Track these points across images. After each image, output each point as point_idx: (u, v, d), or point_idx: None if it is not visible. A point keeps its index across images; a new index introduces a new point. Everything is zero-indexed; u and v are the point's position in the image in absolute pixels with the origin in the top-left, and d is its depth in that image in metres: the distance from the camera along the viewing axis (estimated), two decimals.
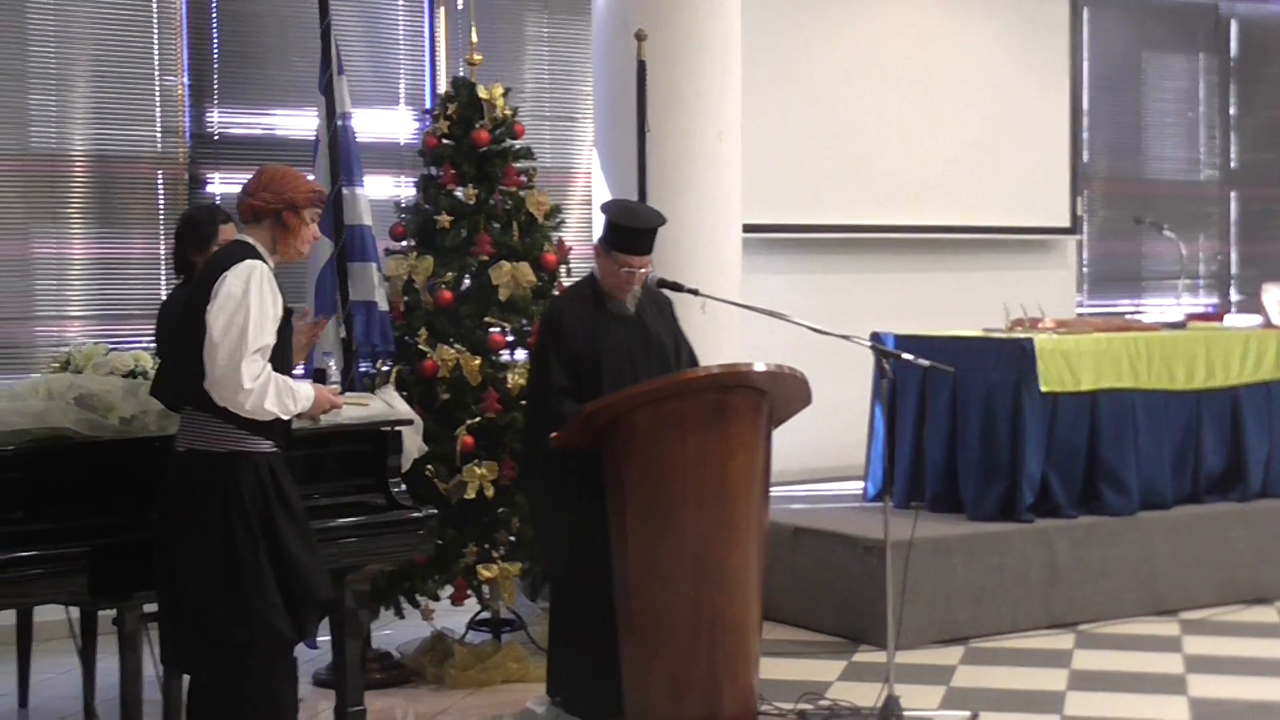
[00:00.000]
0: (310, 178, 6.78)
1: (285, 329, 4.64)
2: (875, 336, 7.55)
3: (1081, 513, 7.73)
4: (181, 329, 4.66)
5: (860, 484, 8.34)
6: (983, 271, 10.24)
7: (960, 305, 9.51)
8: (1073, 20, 10.72)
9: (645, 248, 5.92)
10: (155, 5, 7.91)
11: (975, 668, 6.81)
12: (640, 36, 7.11)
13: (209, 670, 4.62)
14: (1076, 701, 6.27)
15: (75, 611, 5.46)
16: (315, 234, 4.81)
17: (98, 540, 4.90)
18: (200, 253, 5.81)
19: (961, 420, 7.72)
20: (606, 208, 6.12)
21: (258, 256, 4.61)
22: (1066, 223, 10.75)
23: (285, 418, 4.63)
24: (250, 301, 4.47)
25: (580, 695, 5.91)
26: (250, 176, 4.76)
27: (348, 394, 4.97)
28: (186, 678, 4.88)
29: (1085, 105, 11.00)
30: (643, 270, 5.94)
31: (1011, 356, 7.63)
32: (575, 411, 5.68)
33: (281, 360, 4.61)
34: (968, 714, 6.04)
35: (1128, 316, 10.61)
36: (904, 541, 6.24)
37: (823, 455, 9.01)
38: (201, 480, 4.54)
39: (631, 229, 5.89)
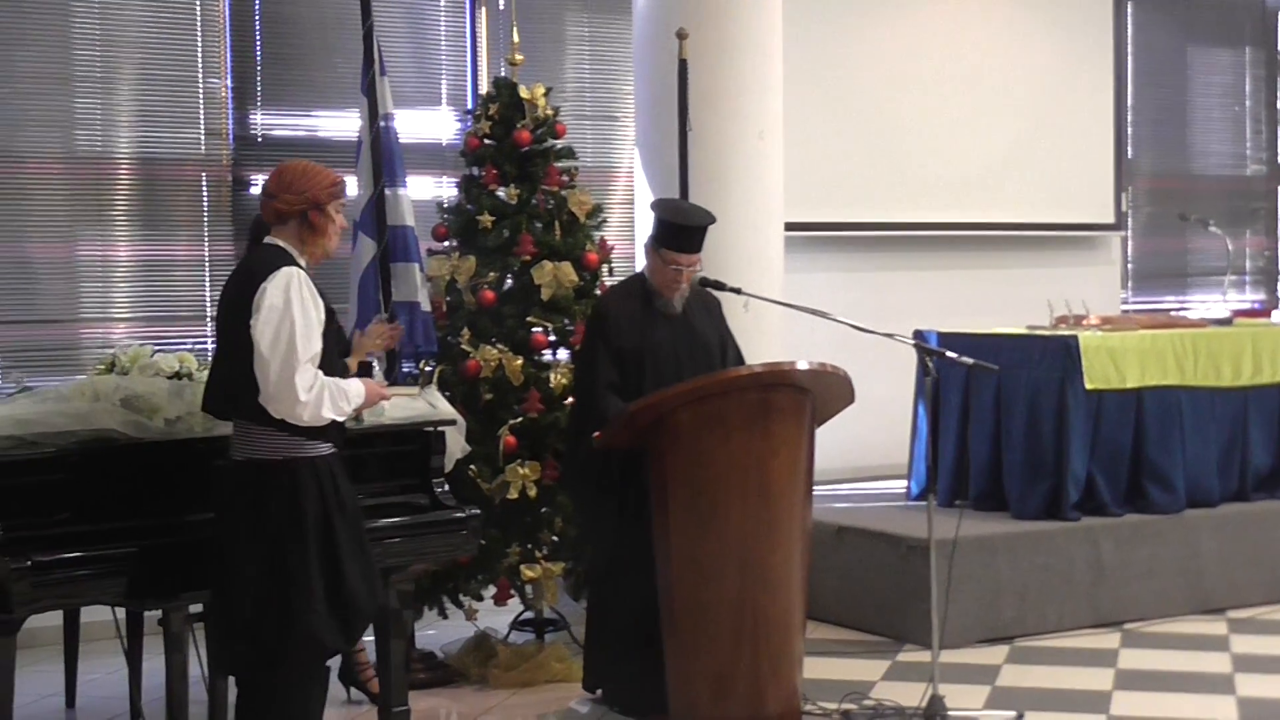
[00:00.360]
0: (352, 178, 6.87)
1: (328, 331, 4.65)
2: (918, 334, 7.53)
3: (1127, 511, 7.69)
4: (224, 341, 4.69)
5: (903, 483, 8.33)
6: (1027, 269, 10.20)
7: (1004, 303, 9.47)
8: (1116, 15, 10.66)
9: (694, 246, 5.94)
10: (199, 8, 7.95)
11: (1020, 667, 6.77)
12: (682, 35, 7.10)
13: (249, 671, 4.65)
14: (1123, 701, 6.24)
15: (121, 612, 5.48)
16: (342, 224, 4.78)
17: (143, 541, 4.93)
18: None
19: (1006, 418, 7.69)
20: (656, 206, 6.16)
21: (290, 260, 4.61)
22: (1111, 219, 10.69)
23: (341, 419, 4.65)
24: (294, 311, 4.47)
25: (623, 693, 5.92)
26: (270, 175, 4.74)
27: (395, 386, 4.95)
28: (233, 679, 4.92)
29: (1129, 100, 10.94)
30: (691, 269, 5.95)
31: (1056, 354, 7.59)
32: (618, 409, 5.68)
33: (329, 363, 4.62)
34: (1013, 714, 6.01)
35: (1173, 313, 10.53)
36: (948, 540, 6.22)
37: (866, 454, 9.00)
38: (262, 489, 4.55)
39: (681, 226, 5.92)
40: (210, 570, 4.70)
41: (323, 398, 4.51)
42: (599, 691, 6.13)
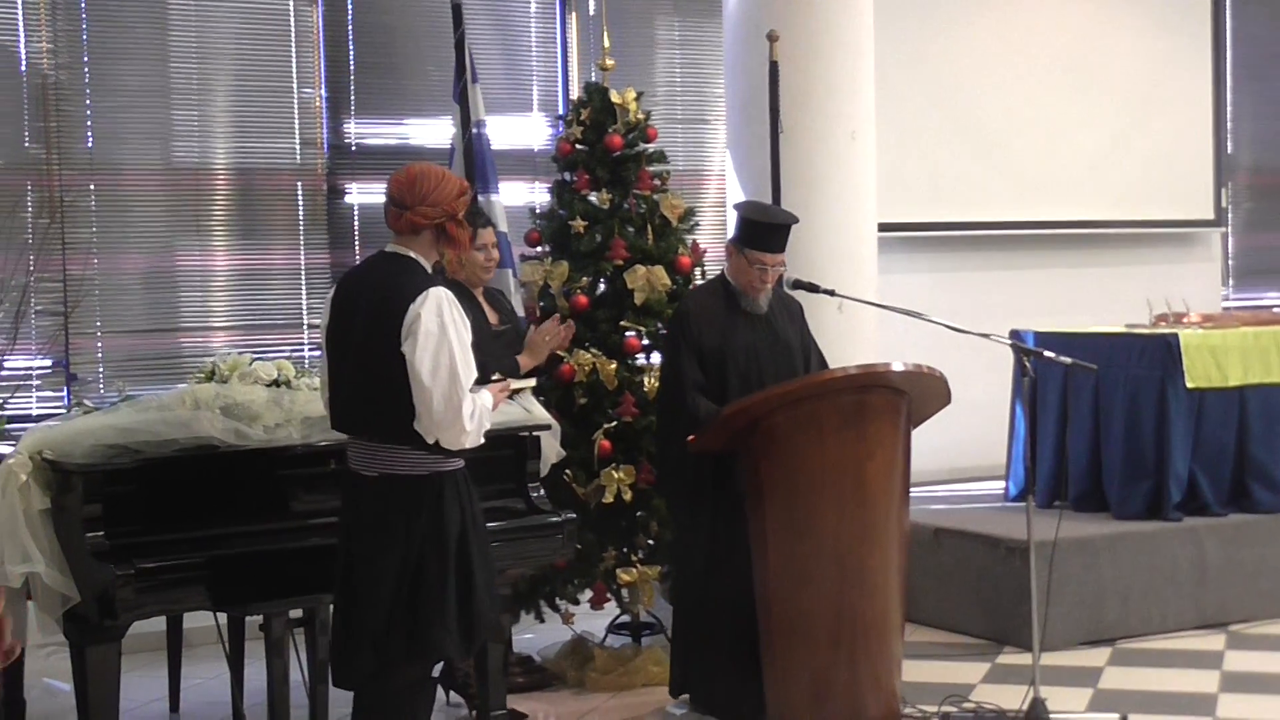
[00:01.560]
0: None
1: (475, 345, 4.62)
2: (1015, 334, 7.48)
3: (1230, 511, 7.59)
4: (358, 357, 4.56)
5: (1001, 484, 8.27)
6: (1125, 266, 10.08)
7: (1102, 301, 9.39)
8: (1215, 6, 10.51)
9: (779, 245, 5.94)
10: (293, 19, 8.03)
11: (1123, 669, 6.70)
12: (772, 37, 7.09)
13: (368, 682, 4.65)
14: (1229, 704, 6.15)
15: (223, 618, 5.55)
16: (471, 231, 4.77)
17: (244, 547, 4.98)
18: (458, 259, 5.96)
19: (1105, 418, 7.62)
20: (740, 207, 6.17)
21: (425, 273, 4.55)
22: (1211, 214, 10.54)
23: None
24: (450, 336, 4.42)
25: (715, 697, 5.91)
26: (398, 182, 4.60)
27: (508, 381, 4.92)
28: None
29: (1229, 93, 10.78)
30: (776, 269, 5.95)
31: (1156, 353, 7.51)
32: (710, 411, 5.69)
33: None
34: (1116, 716, 5.95)
35: (1276, 310, 10.37)
36: (1048, 541, 6.16)
37: (963, 455, 8.93)
38: (406, 504, 4.53)
39: (768, 225, 5.94)
40: (319, 578, 4.72)
41: (480, 424, 4.51)
42: (686, 696, 6.12)
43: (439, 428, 4.43)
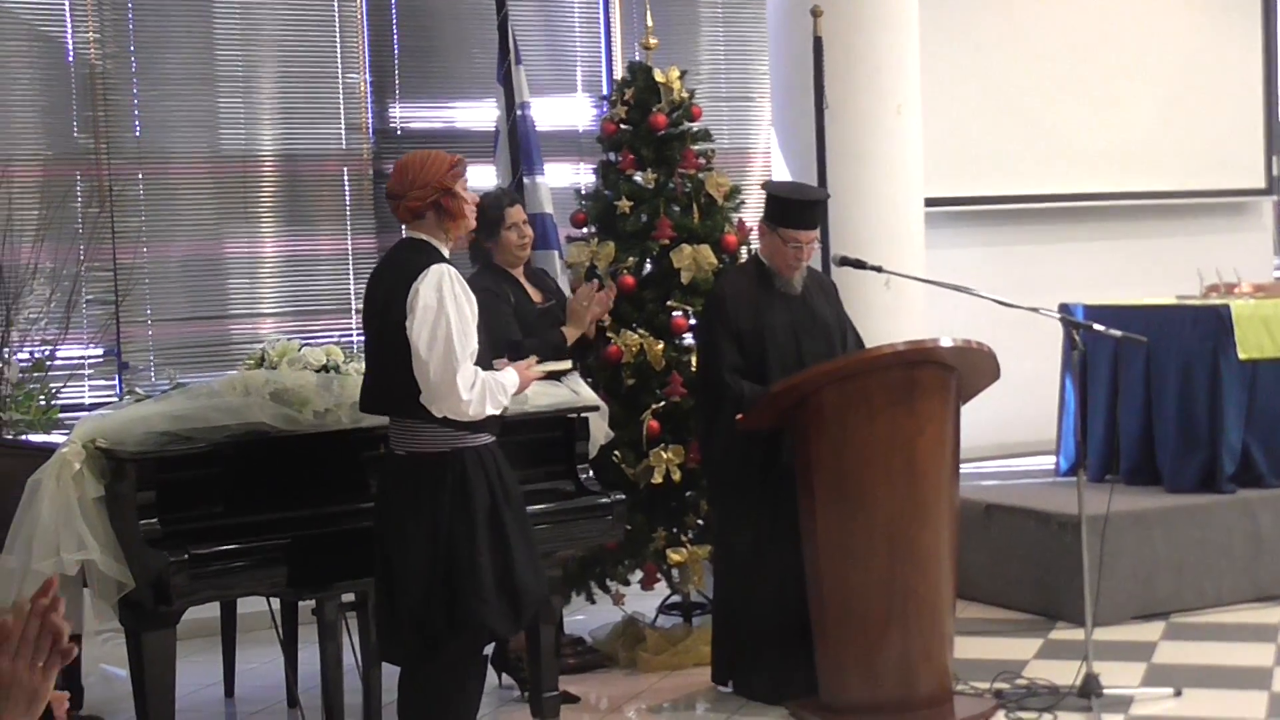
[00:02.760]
0: (490, 168, 6.92)
1: (481, 324, 4.69)
2: (1064, 308, 7.42)
3: None
4: (377, 342, 4.75)
5: (1052, 459, 8.23)
6: (1175, 237, 10.00)
7: (1152, 273, 9.31)
8: None
9: (812, 221, 5.94)
10: (336, 4, 8.05)
11: (1177, 643, 6.67)
12: (816, 12, 7.06)
13: (415, 662, 4.71)
14: None
15: (277, 603, 5.59)
16: (472, 198, 4.83)
17: (297, 532, 5.01)
18: (492, 239, 5.98)
19: (1157, 391, 7.57)
20: (769, 185, 6.19)
21: (436, 254, 4.67)
22: (1262, 184, 10.44)
23: (498, 412, 4.70)
24: (448, 309, 4.53)
25: (763, 679, 5.91)
26: (391, 178, 4.78)
27: (542, 364, 4.98)
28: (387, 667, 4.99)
29: None
30: (810, 246, 5.93)
31: (1207, 324, 7.45)
32: (756, 392, 5.68)
33: (483, 355, 4.66)
34: (1170, 691, 5.92)
35: None
36: (1100, 516, 6.13)
37: (1013, 430, 8.89)
38: (430, 480, 4.62)
39: (799, 201, 5.95)
40: (371, 561, 4.77)
41: (484, 394, 4.58)
42: (730, 684, 6.12)
43: (436, 397, 4.53)
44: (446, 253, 4.72)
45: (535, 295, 6.27)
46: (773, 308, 5.94)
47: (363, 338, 5.10)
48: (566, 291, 6.69)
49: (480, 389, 4.57)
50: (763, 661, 5.89)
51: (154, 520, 4.82)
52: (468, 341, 4.56)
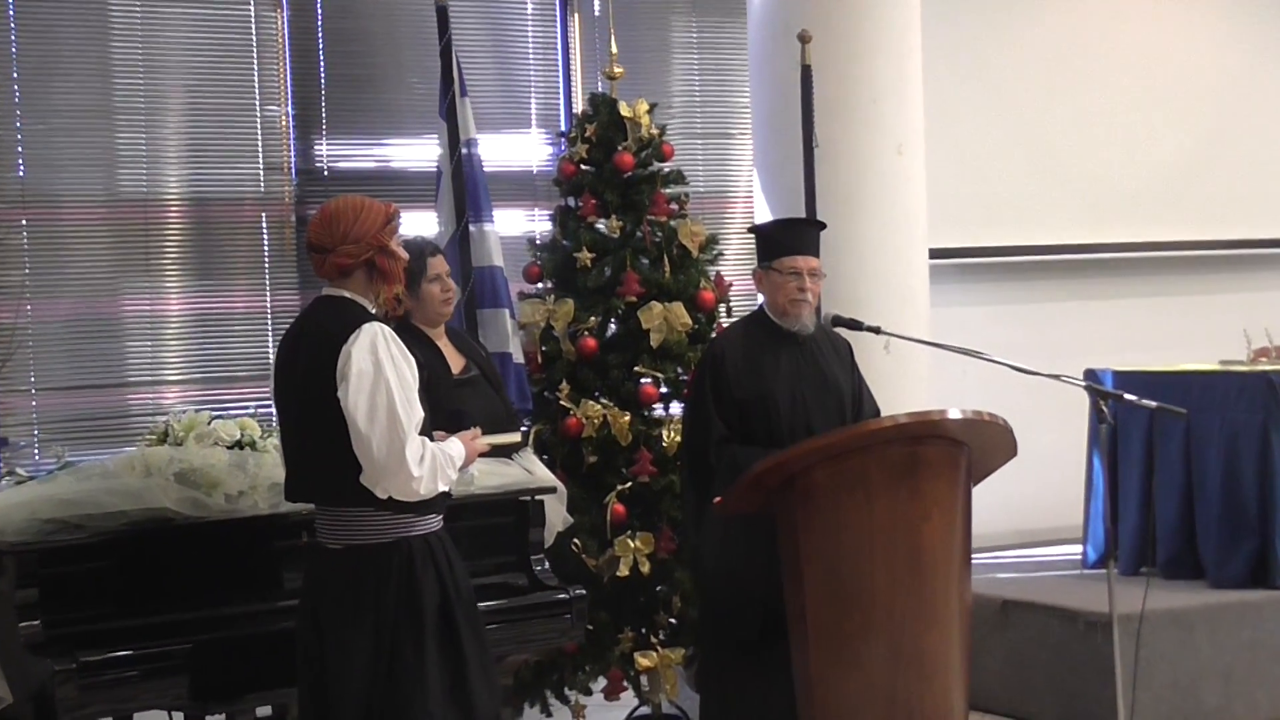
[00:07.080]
0: (431, 214, 6.91)
1: (423, 388, 4.67)
2: (1090, 374, 7.47)
3: None
4: (299, 415, 4.69)
5: (1078, 548, 8.26)
6: (1217, 294, 10.07)
7: (1191, 334, 9.36)
8: None
9: (809, 245, 5.94)
10: (254, 28, 8.08)
11: None
12: (804, 38, 7.10)
13: None
14: None
15: (180, 718, 5.53)
16: (405, 258, 4.80)
17: (205, 635, 4.97)
18: (412, 294, 5.89)
19: (1198, 470, 7.60)
20: (755, 228, 6.21)
21: (364, 312, 4.64)
22: None
23: (448, 489, 4.68)
24: (387, 374, 4.49)
25: None
26: (315, 226, 4.70)
27: (489, 436, 4.95)
28: None
29: None
30: (814, 277, 5.90)
31: (1256, 392, 7.50)
32: (747, 458, 5.64)
33: (424, 425, 4.63)
34: None
35: None
36: (1134, 614, 6.12)
37: (1033, 515, 8.91)
38: (369, 575, 4.57)
39: (789, 223, 6.01)
40: (290, 670, 4.72)
41: (435, 469, 4.55)
42: None
43: (383, 476, 4.48)
44: (374, 313, 4.69)
45: (455, 363, 6.11)
46: (778, 369, 5.91)
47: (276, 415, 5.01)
48: (517, 356, 6.66)
49: (431, 464, 4.54)
50: None
51: (36, 622, 4.76)
52: (412, 410, 4.53)
